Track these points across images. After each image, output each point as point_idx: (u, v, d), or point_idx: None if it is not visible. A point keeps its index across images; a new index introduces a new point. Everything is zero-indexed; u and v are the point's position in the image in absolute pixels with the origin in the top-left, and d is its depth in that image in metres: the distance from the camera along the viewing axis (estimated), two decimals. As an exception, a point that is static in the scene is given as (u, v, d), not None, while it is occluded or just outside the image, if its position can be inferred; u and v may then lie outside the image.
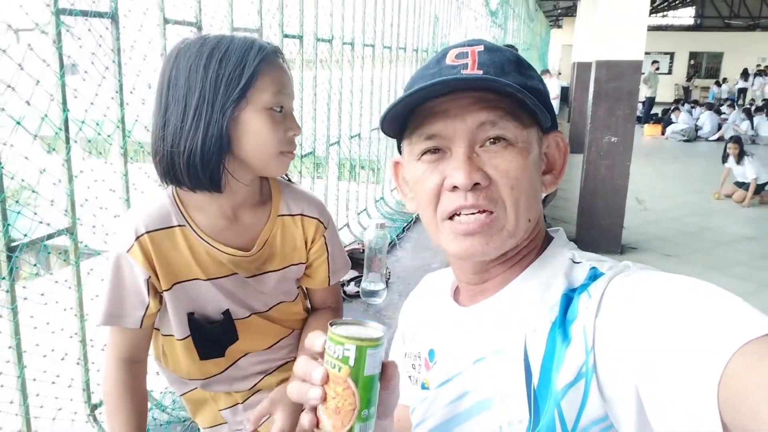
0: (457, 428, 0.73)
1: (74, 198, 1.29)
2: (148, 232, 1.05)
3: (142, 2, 1.41)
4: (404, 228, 3.36)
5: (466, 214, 0.69)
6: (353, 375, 0.56)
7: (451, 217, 0.70)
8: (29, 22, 1.18)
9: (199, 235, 1.09)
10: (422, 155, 0.72)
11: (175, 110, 0.99)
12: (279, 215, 1.18)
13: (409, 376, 0.85)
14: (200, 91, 0.98)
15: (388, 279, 2.49)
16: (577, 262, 0.71)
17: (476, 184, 0.67)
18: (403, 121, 0.74)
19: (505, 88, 0.65)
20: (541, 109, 0.68)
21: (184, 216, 1.09)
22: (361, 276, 2.31)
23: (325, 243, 1.24)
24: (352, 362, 0.56)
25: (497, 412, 0.68)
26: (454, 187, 0.68)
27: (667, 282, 0.60)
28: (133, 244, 1.04)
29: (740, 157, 7.50)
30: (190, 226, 1.09)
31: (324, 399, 0.57)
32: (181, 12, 1.53)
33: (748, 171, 7.36)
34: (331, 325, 0.59)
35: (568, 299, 0.67)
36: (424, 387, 0.81)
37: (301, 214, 1.20)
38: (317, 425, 0.58)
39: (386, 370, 0.60)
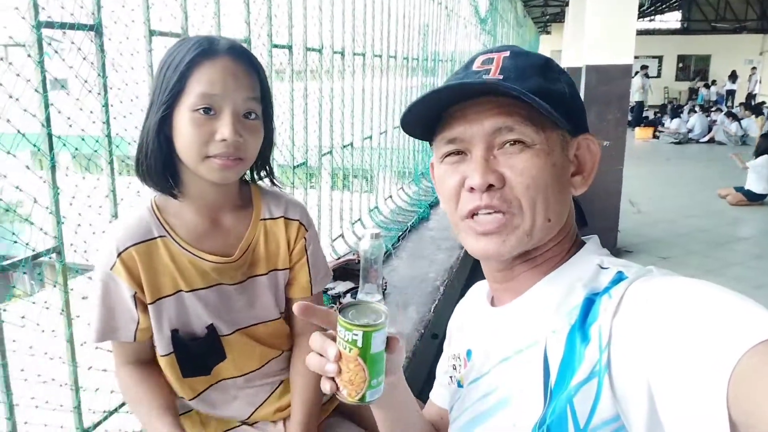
0: (480, 425, 0.75)
1: (59, 217, 1.26)
2: (129, 247, 1.03)
3: (127, 14, 1.39)
4: (399, 237, 3.33)
5: (484, 214, 0.71)
6: (362, 355, 0.65)
7: (471, 216, 0.73)
8: (8, 37, 1.15)
9: (180, 245, 1.07)
10: (445, 157, 0.76)
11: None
12: (261, 219, 1.16)
13: (450, 377, 0.90)
14: (152, 92, 1.01)
15: (385, 289, 2.46)
16: (605, 268, 0.71)
17: (491, 185, 0.70)
18: (431, 124, 0.77)
19: (509, 92, 0.67)
20: (553, 114, 0.68)
21: (163, 226, 1.07)
22: (357, 287, 2.27)
23: (305, 246, 1.21)
24: (360, 344, 0.65)
25: (514, 410, 0.70)
26: (472, 188, 0.71)
27: (684, 285, 0.60)
28: (116, 261, 1.02)
29: None
30: (171, 236, 1.07)
31: (339, 372, 0.67)
32: (167, 23, 1.50)
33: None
34: (340, 311, 0.67)
35: (590, 302, 0.67)
36: (459, 385, 0.85)
37: (284, 217, 1.19)
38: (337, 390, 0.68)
39: (390, 343, 0.70)
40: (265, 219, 1.17)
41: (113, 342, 1.10)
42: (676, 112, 14.48)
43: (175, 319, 1.10)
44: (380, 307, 0.69)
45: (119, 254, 1.03)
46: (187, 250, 1.08)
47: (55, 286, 1.28)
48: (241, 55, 1.03)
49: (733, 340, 0.50)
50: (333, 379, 0.68)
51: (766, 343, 0.48)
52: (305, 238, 1.21)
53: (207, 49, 0.99)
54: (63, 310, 1.27)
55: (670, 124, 14.05)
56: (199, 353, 1.12)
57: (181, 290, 1.09)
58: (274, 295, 1.21)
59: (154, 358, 1.14)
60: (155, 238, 1.06)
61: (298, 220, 1.20)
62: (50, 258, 1.26)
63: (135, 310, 1.06)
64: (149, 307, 1.07)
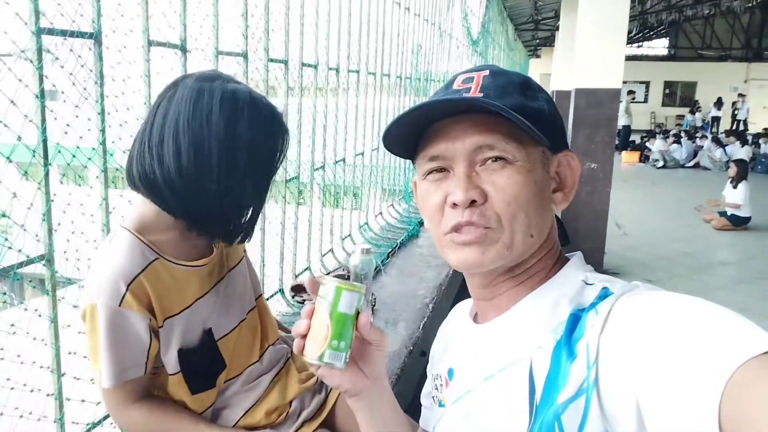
0: None
1: (51, 224, 1.24)
2: (137, 276, 1.02)
3: (126, 23, 1.39)
4: (389, 254, 3.32)
5: (465, 228, 0.72)
6: (329, 309, 0.68)
7: (452, 231, 0.73)
8: (8, 44, 1.14)
9: (173, 262, 1.09)
10: (427, 175, 0.76)
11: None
12: None
13: (433, 397, 0.88)
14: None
15: (374, 305, 2.45)
16: (590, 284, 0.71)
17: (474, 201, 0.70)
18: (413, 142, 0.78)
19: (489, 108, 0.68)
20: (532, 129, 0.68)
21: (153, 249, 1.07)
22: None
23: None
24: (330, 298, 0.68)
25: (499, 429, 0.69)
26: (454, 204, 0.71)
27: (672, 300, 0.61)
28: (125, 295, 1.00)
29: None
30: (162, 257, 1.08)
31: (308, 330, 0.69)
32: (165, 34, 1.51)
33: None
34: (327, 273, 0.69)
35: (575, 318, 0.67)
36: (441, 405, 0.83)
37: None
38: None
39: (360, 316, 0.71)
40: None
41: (119, 385, 1.05)
42: (678, 138, 14.46)
43: (182, 335, 1.10)
44: (360, 285, 0.71)
45: (128, 286, 1.01)
46: (180, 264, 1.10)
47: (47, 295, 1.26)
48: None
49: (723, 356, 0.49)
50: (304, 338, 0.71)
51: (756, 359, 0.48)
52: None
53: None
54: (51, 320, 1.25)
55: (654, 146, 14.26)
56: (202, 366, 1.14)
57: (186, 306, 1.11)
58: (251, 280, 1.30)
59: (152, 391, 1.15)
60: (152, 261, 1.05)
61: None
62: (42, 264, 1.24)
63: (147, 338, 1.04)
64: (160, 330, 1.07)
